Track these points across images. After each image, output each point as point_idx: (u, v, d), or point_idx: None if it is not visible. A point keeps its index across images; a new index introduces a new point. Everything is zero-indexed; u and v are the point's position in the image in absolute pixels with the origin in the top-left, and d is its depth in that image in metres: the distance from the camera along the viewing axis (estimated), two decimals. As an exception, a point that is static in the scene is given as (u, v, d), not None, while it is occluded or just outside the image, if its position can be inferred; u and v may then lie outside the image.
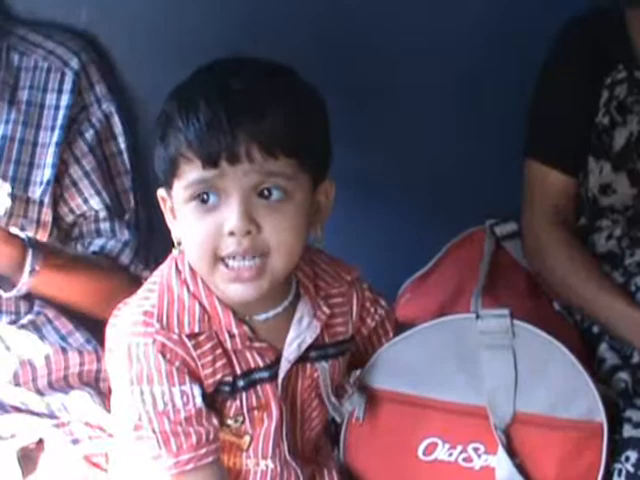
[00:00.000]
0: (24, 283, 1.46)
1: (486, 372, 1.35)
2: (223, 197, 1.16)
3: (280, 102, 1.16)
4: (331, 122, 1.21)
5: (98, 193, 1.62)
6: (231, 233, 1.15)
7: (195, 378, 1.22)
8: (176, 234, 1.24)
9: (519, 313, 1.38)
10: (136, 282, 1.57)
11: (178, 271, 1.24)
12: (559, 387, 1.34)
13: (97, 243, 1.61)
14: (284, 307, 1.27)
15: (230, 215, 1.15)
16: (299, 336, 1.27)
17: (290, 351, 1.27)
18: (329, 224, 1.26)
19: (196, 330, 1.21)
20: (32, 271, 1.45)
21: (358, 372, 1.41)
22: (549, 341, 1.36)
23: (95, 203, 1.62)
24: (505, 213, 1.70)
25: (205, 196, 1.17)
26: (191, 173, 1.16)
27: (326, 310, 1.30)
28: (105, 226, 1.63)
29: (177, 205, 1.21)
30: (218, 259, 1.17)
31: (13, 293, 1.47)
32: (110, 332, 1.28)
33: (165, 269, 1.26)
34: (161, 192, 1.24)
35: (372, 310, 1.38)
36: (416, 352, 1.39)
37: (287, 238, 1.17)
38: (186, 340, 1.21)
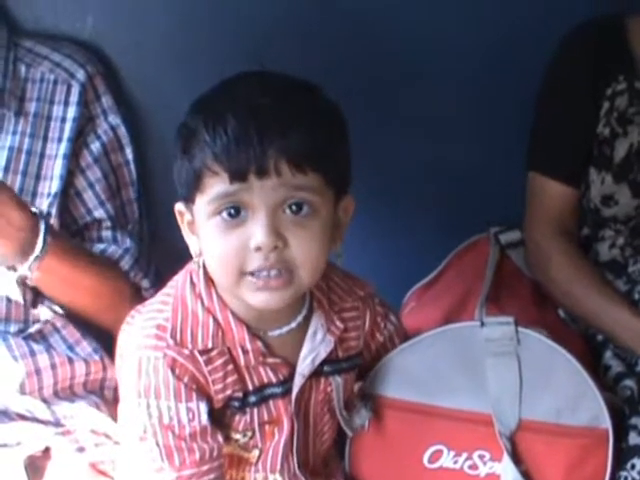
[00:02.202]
0: (35, 260, 1.40)
1: (491, 379, 1.35)
2: (250, 212, 1.14)
3: (307, 117, 1.15)
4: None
5: (102, 204, 1.61)
6: (258, 248, 1.14)
7: (203, 394, 1.21)
8: (195, 248, 1.22)
9: (524, 320, 1.38)
10: (137, 291, 1.58)
11: (192, 284, 1.23)
12: (564, 394, 1.34)
13: (98, 247, 1.59)
14: (298, 323, 1.26)
15: (257, 230, 1.13)
16: (313, 351, 1.25)
17: (304, 366, 1.25)
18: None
19: (209, 346, 1.20)
20: (44, 245, 1.40)
21: (360, 384, 1.40)
22: (554, 348, 1.36)
23: (99, 214, 1.60)
24: (510, 221, 1.69)
25: (231, 211, 1.15)
26: (217, 187, 1.14)
27: (340, 324, 1.28)
28: (107, 234, 1.61)
29: (199, 220, 1.18)
30: (244, 274, 1.16)
31: (25, 270, 1.41)
32: (122, 339, 1.27)
33: (180, 281, 1.24)
34: (179, 206, 1.22)
35: (382, 325, 1.37)
36: (421, 360, 1.38)
37: (313, 253, 1.16)
38: (198, 356, 1.19)
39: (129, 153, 1.65)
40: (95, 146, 1.61)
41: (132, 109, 1.70)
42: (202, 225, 1.18)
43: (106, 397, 1.53)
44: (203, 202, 1.16)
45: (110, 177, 1.63)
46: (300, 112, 1.15)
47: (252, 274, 1.15)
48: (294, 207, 1.15)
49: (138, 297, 1.56)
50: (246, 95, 1.15)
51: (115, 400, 1.32)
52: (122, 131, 1.64)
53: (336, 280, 1.32)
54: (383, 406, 1.38)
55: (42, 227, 1.39)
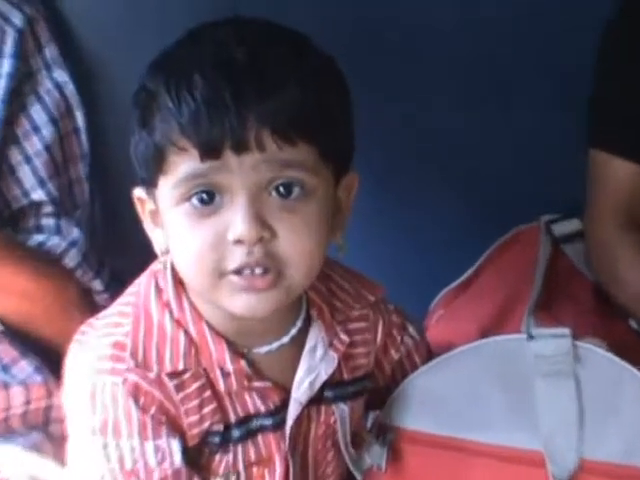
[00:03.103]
0: None
1: (542, 407, 1.25)
2: (227, 197, 1.06)
3: (296, 75, 1.06)
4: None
5: (42, 183, 1.47)
6: (238, 241, 1.06)
7: (175, 429, 1.12)
8: (160, 244, 1.14)
9: (583, 332, 1.29)
10: (86, 295, 1.50)
11: (158, 290, 1.15)
12: (635, 427, 1.24)
13: (36, 239, 1.47)
14: (291, 337, 1.18)
15: (236, 219, 1.05)
16: (312, 371, 1.18)
17: (301, 391, 1.17)
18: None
19: (180, 367, 1.12)
20: None
21: (376, 414, 1.31)
22: (622, 367, 1.26)
23: (37, 195, 1.47)
24: (565, 208, 1.60)
25: (203, 196, 1.06)
26: (184, 167, 1.06)
27: (345, 338, 1.21)
28: (48, 222, 1.48)
29: (163, 208, 1.10)
30: (223, 274, 1.08)
31: None
32: (70, 361, 1.17)
33: (142, 287, 1.16)
34: (138, 192, 1.14)
35: (398, 339, 1.29)
36: (452, 383, 1.29)
37: (307, 246, 1.08)
38: (166, 380, 1.11)
39: (79, 118, 1.52)
40: (35, 110, 1.48)
41: (84, 63, 1.57)
42: (168, 215, 1.10)
43: (51, 433, 1.41)
44: (168, 186, 1.08)
45: (54, 149, 1.49)
46: (286, 68, 1.06)
47: (233, 273, 1.07)
48: (282, 189, 1.07)
49: (88, 303, 1.48)
50: (217, 48, 1.07)
51: (63, 437, 1.20)
52: (70, 90, 1.52)
53: (339, 282, 1.24)
54: (403, 440, 1.29)
55: None
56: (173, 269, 1.14)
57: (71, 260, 1.48)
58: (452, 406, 1.28)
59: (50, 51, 1.51)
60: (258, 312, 1.09)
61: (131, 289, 1.18)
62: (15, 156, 1.47)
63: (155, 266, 1.16)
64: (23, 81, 1.47)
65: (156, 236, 1.14)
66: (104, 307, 1.22)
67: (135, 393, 1.10)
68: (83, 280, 1.49)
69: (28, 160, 1.47)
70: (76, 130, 1.53)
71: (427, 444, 1.28)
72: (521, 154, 1.70)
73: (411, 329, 1.31)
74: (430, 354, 1.33)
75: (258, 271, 1.06)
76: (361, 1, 1.62)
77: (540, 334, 1.28)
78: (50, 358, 1.40)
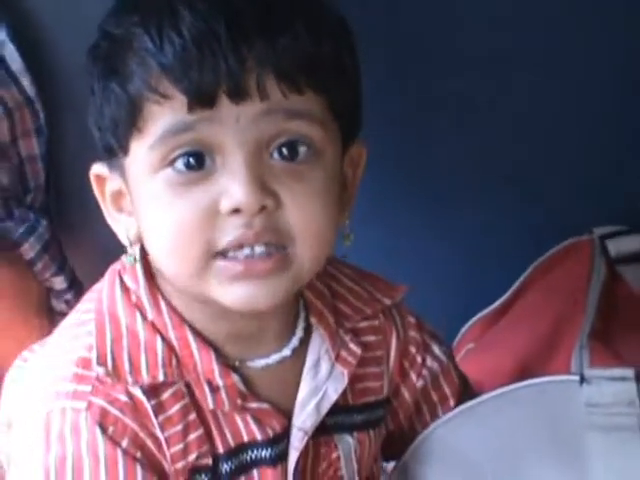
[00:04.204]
0: None
1: (598, 470, 1.10)
2: (219, 158, 0.95)
3: (305, 10, 0.96)
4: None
5: None
6: (235, 211, 0.94)
7: (153, 465, 0.99)
8: (127, 232, 1.02)
9: None
10: (47, 295, 1.37)
11: (125, 290, 1.03)
12: None
13: None
14: (293, 347, 1.06)
15: (232, 184, 0.94)
16: (316, 392, 1.06)
17: (305, 415, 1.05)
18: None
19: (160, 378, 0.99)
20: None
21: (391, 465, 1.18)
22: None
23: None
24: (623, 220, 1.51)
25: (190, 159, 0.95)
26: (166, 119, 0.94)
27: (355, 349, 1.09)
28: None
29: (136, 179, 0.98)
30: (214, 255, 0.96)
31: None
32: (13, 388, 1.08)
33: (105, 290, 1.04)
34: (97, 169, 1.01)
35: (419, 360, 1.15)
36: (484, 437, 1.14)
37: (319, 219, 0.97)
38: (143, 400, 0.98)
39: (26, 81, 1.37)
40: None
41: (23, 14, 1.39)
42: (142, 187, 0.97)
43: None
44: (143, 149, 0.95)
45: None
46: (294, 1, 0.96)
47: (225, 255, 0.95)
48: (285, 150, 0.95)
49: (47, 308, 1.36)
50: None
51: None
52: (9, 48, 1.37)
53: (347, 282, 1.13)
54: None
55: None
56: (145, 262, 1.02)
57: (30, 249, 1.36)
58: (483, 465, 1.13)
59: None
60: (260, 304, 0.96)
61: (89, 295, 1.06)
62: None
63: (116, 265, 1.05)
64: None
65: (120, 224, 1.02)
66: (63, 315, 1.11)
67: (102, 421, 0.97)
68: (43, 277, 1.36)
69: None
70: (27, 100, 1.38)
71: (453, 511, 1.17)
72: (568, 159, 1.59)
73: (436, 349, 1.17)
74: (467, 387, 1.20)
75: (259, 250, 0.94)
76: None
77: (595, 376, 1.13)
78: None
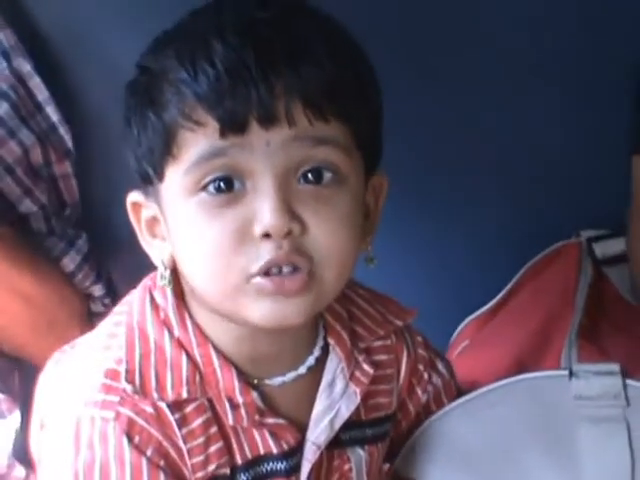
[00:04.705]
0: None
1: (587, 459, 1.15)
2: (249, 182, 0.97)
3: (329, 41, 0.98)
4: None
5: (28, 193, 1.39)
6: (265, 235, 0.97)
7: (175, 474, 1.03)
8: (161, 256, 1.04)
9: (635, 369, 1.19)
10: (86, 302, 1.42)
11: (154, 307, 1.06)
12: None
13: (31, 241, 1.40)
14: (308, 366, 1.09)
15: (262, 207, 0.96)
16: (330, 409, 1.09)
17: (319, 431, 1.08)
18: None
19: (184, 395, 1.03)
20: None
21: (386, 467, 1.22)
22: None
23: (25, 207, 1.39)
24: (608, 223, 1.53)
25: (220, 183, 0.97)
26: (200, 145, 0.96)
27: (369, 369, 1.12)
28: (39, 226, 1.39)
29: (171, 204, 1.00)
30: (250, 276, 0.98)
31: None
32: (46, 389, 1.08)
33: (135, 304, 1.07)
34: (134, 197, 1.04)
35: (425, 376, 1.20)
36: (479, 428, 1.19)
37: (342, 242, 0.99)
38: (167, 413, 1.02)
39: (51, 111, 1.42)
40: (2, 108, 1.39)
41: (48, 46, 1.44)
42: (178, 211, 1.00)
43: None
44: (178, 174, 0.98)
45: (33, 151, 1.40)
46: (317, 30, 0.98)
47: (260, 275, 0.98)
48: (311, 175, 0.98)
49: (87, 313, 1.40)
50: (237, 12, 0.99)
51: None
52: (35, 81, 1.41)
53: (362, 305, 1.15)
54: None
55: None
56: (176, 282, 1.05)
57: (71, 261, 1.40)
58: (479, 457, 1.17)
59: (6, 37, 1.41)
60: (287, 320, 0.99)
61: (120, 307, 1.08)
62: None
63: (147, 282, 1.07)
64: None
65: (155, 249, 1.04)
66: (101, 316, 1.13)
67: (129, 430, 1.00)
68: (83, 285, 1.40)
69: (10, 170, 1.38)
70: (52, 126, 1.43)
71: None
72: (556, 165, 1.62)
73: (440, 366, 1.21)
74: (460, 394, 1.22)
75: (286, 270, 0.97)
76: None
77: (583, 370, 1.17)
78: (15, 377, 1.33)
